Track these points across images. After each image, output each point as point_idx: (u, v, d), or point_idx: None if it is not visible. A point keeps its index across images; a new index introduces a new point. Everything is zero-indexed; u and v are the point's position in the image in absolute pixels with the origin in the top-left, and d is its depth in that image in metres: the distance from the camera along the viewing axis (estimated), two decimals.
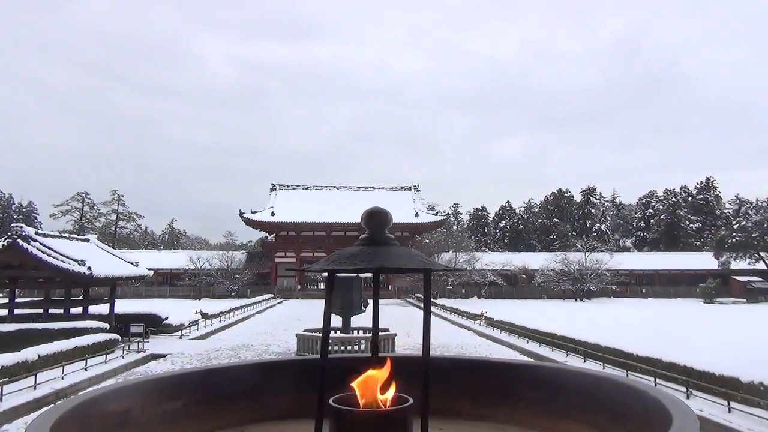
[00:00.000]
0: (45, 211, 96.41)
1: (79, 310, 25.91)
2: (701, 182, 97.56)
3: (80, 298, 26.79)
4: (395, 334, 20.61)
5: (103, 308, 27.20)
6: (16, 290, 26.73)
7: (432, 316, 1.92)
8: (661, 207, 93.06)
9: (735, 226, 63.35)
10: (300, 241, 71.01)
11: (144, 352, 21.54)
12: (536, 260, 68.95)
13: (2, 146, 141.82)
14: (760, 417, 11.57)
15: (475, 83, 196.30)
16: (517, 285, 68.87)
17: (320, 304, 2.24)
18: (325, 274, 1.87)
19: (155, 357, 21.29)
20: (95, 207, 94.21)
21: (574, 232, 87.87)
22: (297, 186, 79.16)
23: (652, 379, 14.83)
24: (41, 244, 23.46)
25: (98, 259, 25.71)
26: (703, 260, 68.58)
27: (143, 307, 31.82)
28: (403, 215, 65.95)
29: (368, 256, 1.74)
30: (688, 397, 13.29)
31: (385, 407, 1.69)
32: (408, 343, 21.91)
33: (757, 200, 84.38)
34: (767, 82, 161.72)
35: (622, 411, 1.80)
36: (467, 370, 2.35)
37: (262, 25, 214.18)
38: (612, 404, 1.86)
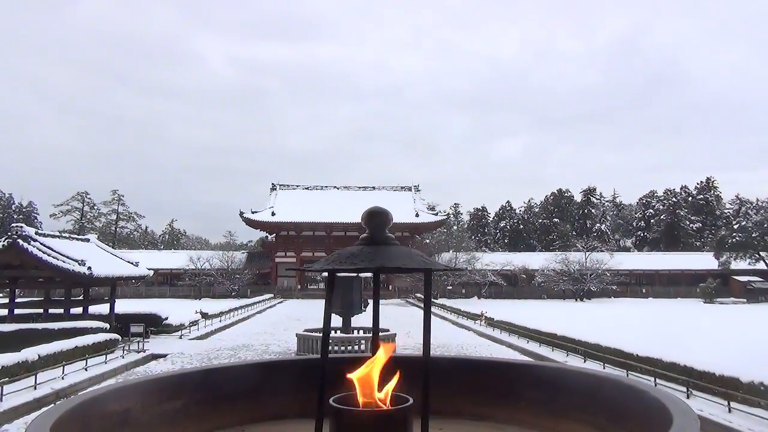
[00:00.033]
0: (45, 211, 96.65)
1: (79, 310, 25.91)
2: (701, 182, 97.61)
3: (80, 298, 26.80)
4: (395, 334, 20.61)
5: (103, 308, 27.21)
6: (16, 290, 26.74)
7: (432, 316, 1.92)
8: (661, 207, 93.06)
9: (735, 226, 63.37)
10: (300, 241, 71.01)
11: (144, 352, 21.55)
12: (536, 260, 68.96)
13: (2, 146, 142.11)
14: (760, 417, 11.58)
15: (475, 83, 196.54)
16: (517, 285, 68.87)
17: (320, 304, 2.24)
18: (326, 273, 1.87)
19: (155, 357, 21.29)
20: (95, 207, 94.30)
21: (574, 232, 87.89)
22: (297, 186, 79.17)
23: (653, 379, 14.84)
24: (41, 244, 23.46)
25: (98, 259, 25.72)
26: (704, 260, 68.58)
27: (143, 307, 31.82)
28: (403, 215, 65.94)
29: (368, 256, 1.73)
30: (688, 397, 13.29)
31: (386, 407, 1.69)
32: (408, 343, 21.91)
33: (758, 200, 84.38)
34: (767, 82, 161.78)
35: (622, 411, 1.80)
36: (467, 369, 2.35)
37: (262, 25, 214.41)
38: (612, 404, 1.86)
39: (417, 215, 70.81)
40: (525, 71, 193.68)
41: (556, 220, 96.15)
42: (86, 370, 17.27)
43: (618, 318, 37.60)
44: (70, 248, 24.84)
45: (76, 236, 33.45)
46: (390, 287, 67.03)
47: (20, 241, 22.75)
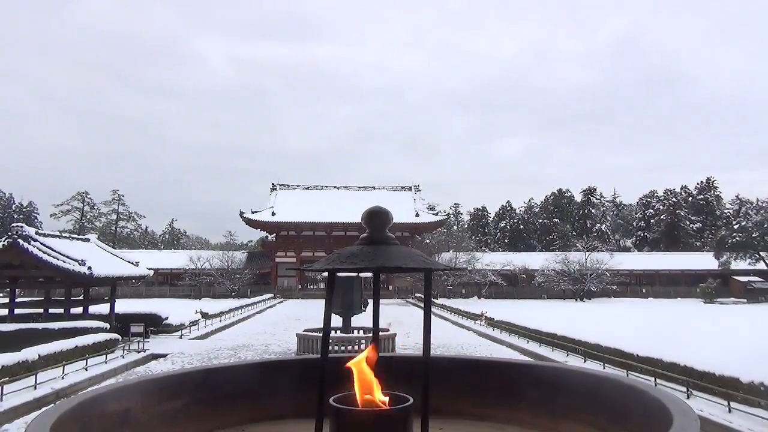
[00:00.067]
0: (45, 210, 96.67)
1: (79, 309, 25.91)
2: (701, 182, 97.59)
3: (80, 297, 26.80)
4: (395, 334, 20.63)
5: (103, 308, 27.21)
6: (17, 290, 26.74)
7: (432, 316, 1.92)
8: (661, 207, 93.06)
9: (735, 226, 63.37)
10: (300, 241, 71.02)
11: (144, 351, 21.55)
12: (536, 260, 68.96)
13: (2, 146, 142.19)
14: (760, 417, 11.58)
15: (476, 83, 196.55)
16: (517, 285, 68.87)
17: (320, 303, 2.24)
18: (326, 273, 1.87)
19: (155, 357, 21.29)
20: (95, 207, 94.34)
21: (574, 232, 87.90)
22: (297, 186, 79.18)
23: (653, 379, 14.84)
24: (41, 243, 23.47)
25: (98, 259, 25.72)
26: (704, 260, 68.56)
27: (143, 306, 31.83)
28: (403, 215, 65.95)
29: (369, 256, 1.73)
30: (688, 397, 13.29)
31: (386, 407, 1.69)
32: (408, 343, 21.93)
33: (758, 200, 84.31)
34: (767, 82, 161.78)
35: (622, 411, 1.80)
36: (467, 369, 2.34)
37: (262, 25, 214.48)
38: (612, 404, 1.86)
39: (417, 215, 70.83)
40: (525, 71, 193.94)
41: (556, 220, 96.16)
42: (86, 369, 17.28)
43: (618, 318, 37.59)
44: (71, 248, 24.85)
45: (76, 236, 33.46)
46: (390, 287, 67.03)
47: (20, 241, 22.76)
